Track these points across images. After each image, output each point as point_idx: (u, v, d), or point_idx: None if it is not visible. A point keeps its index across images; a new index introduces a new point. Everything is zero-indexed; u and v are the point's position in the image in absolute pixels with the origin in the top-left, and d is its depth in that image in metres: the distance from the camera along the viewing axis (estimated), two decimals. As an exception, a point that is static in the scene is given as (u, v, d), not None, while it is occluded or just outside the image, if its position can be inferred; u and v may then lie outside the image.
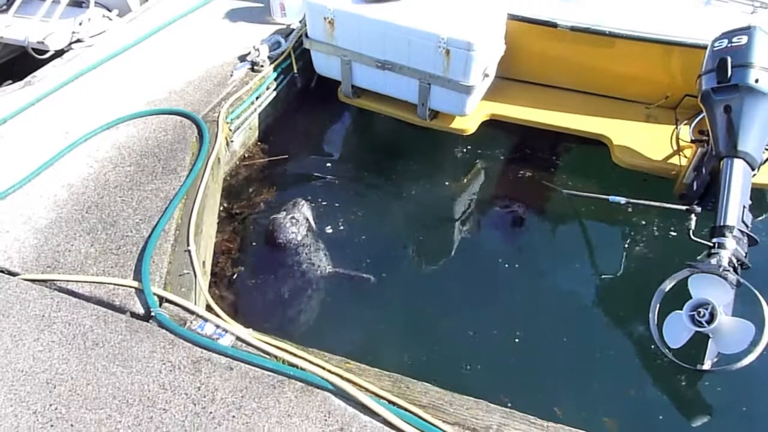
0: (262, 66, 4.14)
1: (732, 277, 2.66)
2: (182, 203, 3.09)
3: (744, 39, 3.08)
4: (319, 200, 3.81)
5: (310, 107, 4.57)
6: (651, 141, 3.71)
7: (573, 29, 3.63)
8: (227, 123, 3.80)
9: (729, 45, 3.12)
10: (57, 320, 2.46)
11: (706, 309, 2.60)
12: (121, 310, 2.50)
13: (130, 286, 2.58)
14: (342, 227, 3.59)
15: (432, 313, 3.11)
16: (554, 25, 3.65)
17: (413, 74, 3.66)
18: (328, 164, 4.21)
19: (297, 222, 3.18)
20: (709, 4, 3.67)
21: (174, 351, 2.34)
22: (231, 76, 4.10)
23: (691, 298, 2.70)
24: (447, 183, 4.01)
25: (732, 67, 3.00)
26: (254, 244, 3.41)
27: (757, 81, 2.94)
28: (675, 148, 3.64)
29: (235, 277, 3.23)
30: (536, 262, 3.43)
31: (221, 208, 3.63)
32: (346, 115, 4.64)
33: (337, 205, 3.80)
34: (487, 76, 3.70)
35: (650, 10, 3.65)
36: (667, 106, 3.90)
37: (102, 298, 2.54)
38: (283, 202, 3.73)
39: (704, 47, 3.29)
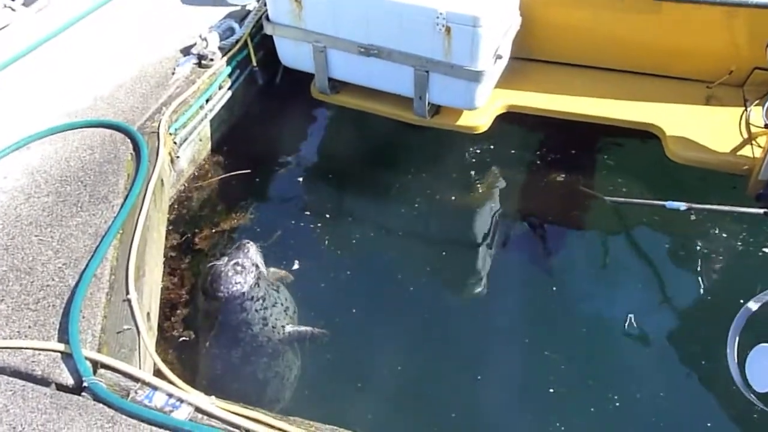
0: (211, 60, 4.18)
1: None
2: (117, 240, 3.09)
3: (822, -9, 3.15)
4: (291, 228, 3.86)
5: (276, 109, 4.61)
6: (714, 129, 3.77)
7: (605, -8, 3.72)
8: (171, 134, 3.83)
9: (804, 1, 3.18)
10: (-39, 400, 2.45)
11: (800, 339, 2.60)
12: (43, 381, 2.47)
13: (55, 350, 2.55)
14: (319, 264, 3.63)
15: (440, 372, 3.12)
16: (581, -11, 3.75)
17: (406, 60, 3.71)
18: (300, 179, 4.25)
19: (243, 269, 3.22)
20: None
21: (116, 431, 2.30)
22: (173, 74, 4.14)
23: (778, 326, 2.72)
24: (454, 198, 4.04)
25: (810, 29, 3.05)
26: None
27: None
28: (745, 136, 3.69)
29: (188, 331, 3.25)
30: (578, 293, 3.46)
31: (168, 244, 3.65)
32: (323, 117, 4.68)
33: (312, 233, 3.83)
34: (499, 57, 3.76)
35: None
36: (732, 84, 3.96)
37: (18, 368, 2.51)
38: (246, 231, 3.78)
39: (775, 7, 3.36)
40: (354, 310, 3.40)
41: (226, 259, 3.34)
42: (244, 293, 3.17)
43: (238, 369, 3.07)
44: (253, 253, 3.39)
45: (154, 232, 3.34)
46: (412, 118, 3.99)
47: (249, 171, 4.17)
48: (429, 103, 3.88)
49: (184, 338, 3.25)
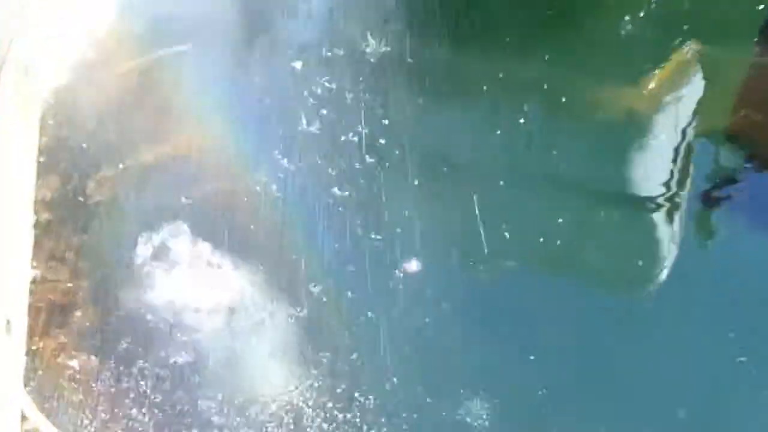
0: None
1: None
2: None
3: None
4: (272, 169, 3.69)
5: None
6: None
7: None
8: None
9: None
10: None
11: None
12: None
13: None
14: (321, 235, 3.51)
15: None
16: None
17: None
18: (297, 63, 4.03)
19: (166, 262, 3.37)
20: None
21: None
22: None
23: None
24: (601, 103, 3.78)
25: None
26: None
27: None
28: None
29: (79, 353, 3.19)
30: None
31: (40, 196, 3.45)
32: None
33: (313, 169, 3.65)
34: None
35: None
36: None
37: None
38: (183, 176, 3.63)
39: None
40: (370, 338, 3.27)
41: (141, 241, 3.48)
42: (174, 309, 3.33)
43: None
44: (183, 231, 3.57)
45: (12, 168, 3.23)
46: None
47: (186, 48, 4.00)
48: None
49: (72, 366, 3.18)
